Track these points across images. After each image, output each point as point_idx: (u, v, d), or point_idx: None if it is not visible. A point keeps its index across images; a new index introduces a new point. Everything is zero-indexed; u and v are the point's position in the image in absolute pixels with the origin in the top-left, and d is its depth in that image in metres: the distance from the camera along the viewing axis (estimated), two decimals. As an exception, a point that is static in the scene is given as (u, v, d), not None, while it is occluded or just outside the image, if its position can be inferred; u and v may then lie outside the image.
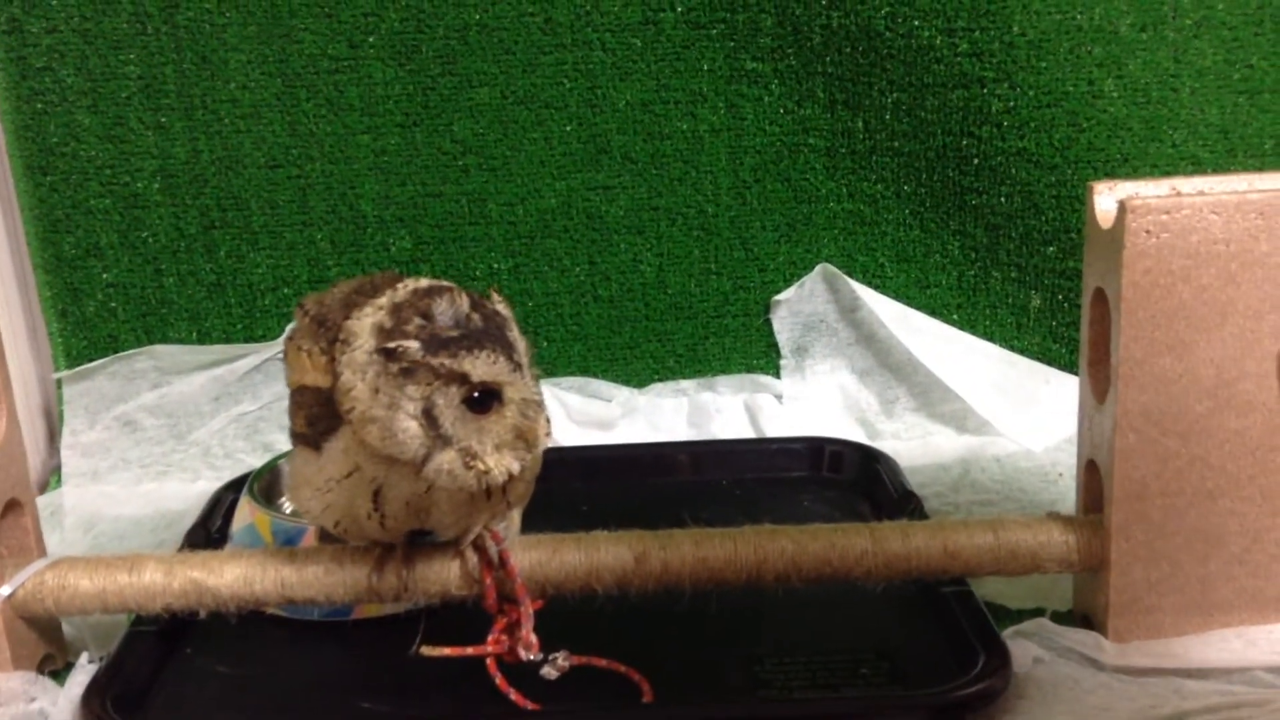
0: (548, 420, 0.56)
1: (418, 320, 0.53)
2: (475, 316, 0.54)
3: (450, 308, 0.54)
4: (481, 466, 0.54)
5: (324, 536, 0.67)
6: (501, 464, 0.54)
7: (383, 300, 0.55)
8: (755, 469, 0.92)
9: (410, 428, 0.53)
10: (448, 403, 0.53)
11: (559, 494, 0.88)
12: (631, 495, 0.89)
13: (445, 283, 0.56)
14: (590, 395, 1.01)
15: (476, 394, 0.53)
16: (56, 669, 0.68)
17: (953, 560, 0.65)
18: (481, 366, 0.53)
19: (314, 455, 0.58)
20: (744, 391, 1.01)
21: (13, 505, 0.67)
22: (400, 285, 0.56)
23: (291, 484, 0.61)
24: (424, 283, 0.56)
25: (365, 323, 0.54)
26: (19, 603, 0.65)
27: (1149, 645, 0.65)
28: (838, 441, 0.92)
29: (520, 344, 0.55)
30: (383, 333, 0.53)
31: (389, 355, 0.52)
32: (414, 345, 0.52)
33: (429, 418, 0.53)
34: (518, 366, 0.54)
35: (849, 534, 0.65)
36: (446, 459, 0.53)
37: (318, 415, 0.57)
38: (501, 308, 0.56)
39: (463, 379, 0.53)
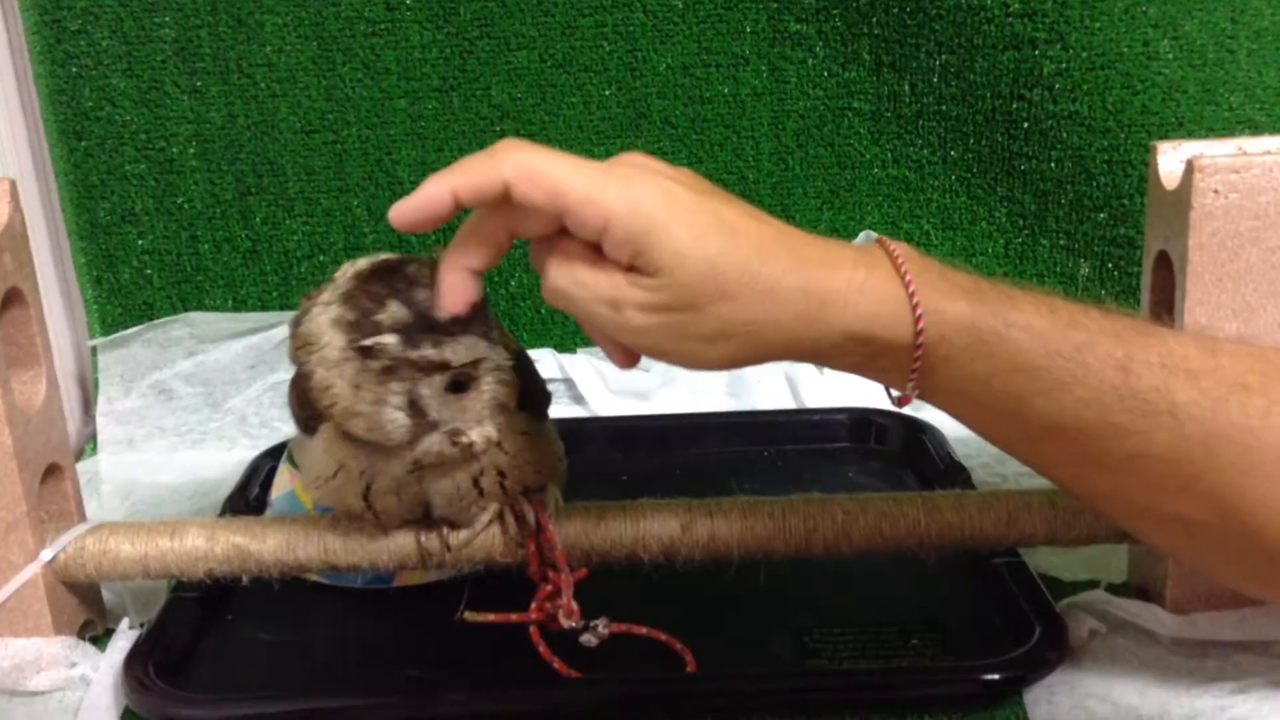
0: (515, 381, 0.56)
1: (393, 309, 0.52)
2: None
3: (424, 292, 0.52)
4: (465, 440, 0.54)
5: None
6: (483, 434, 0.55)
7: (326, 295, 0.54)
8: (797, 440, 0.91)
9: (397, 418, 0.53)
10: (432, 392, 0.53)
11: (598, 464, 0.88)
12: (671, 465, 0.88)
13: (385, 257, 0.54)
14: (628, 365, 1.00)
15: (458, 379, 0.53)
16: (97, 634, 0.68)
17: (1008, 530, 0.64)
18: (463, 352, 0.53)
19: (306, 441, 0.58)
20: (784, 362, 0.99)
21: (53, 470, 0.66)
22: (339, 273, 0.54)
23: (298, 462, 0.61)
24: (363, 263, 0.54)
25: (321, 320, 0.53)
26: (60, 567, 0.64)
27: (1209, 617, 0.63)
28: (883, 412, 0.91)
29: (486, 309, 0.54)
30: (349, 326, 0.52)
31: (366, 353, 0.52)
32: (391, 341, 0.51)
33: (414, 407, 0.53)
34: (491, 336, 0.54)
35: (901, 503, 0.64)
36: (434, 440, 0.54)
37: (306, 400, 0.56)
38: None
39: (444, 366, 0.52)
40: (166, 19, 0.91)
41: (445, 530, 0.62)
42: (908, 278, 0.50)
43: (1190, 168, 0.58)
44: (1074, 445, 0.51)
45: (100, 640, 0.67)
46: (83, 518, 0.69)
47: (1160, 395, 0.49)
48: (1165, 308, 0.63)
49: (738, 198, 0.52)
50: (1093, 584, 0.67)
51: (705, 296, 0.49)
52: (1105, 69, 0.87)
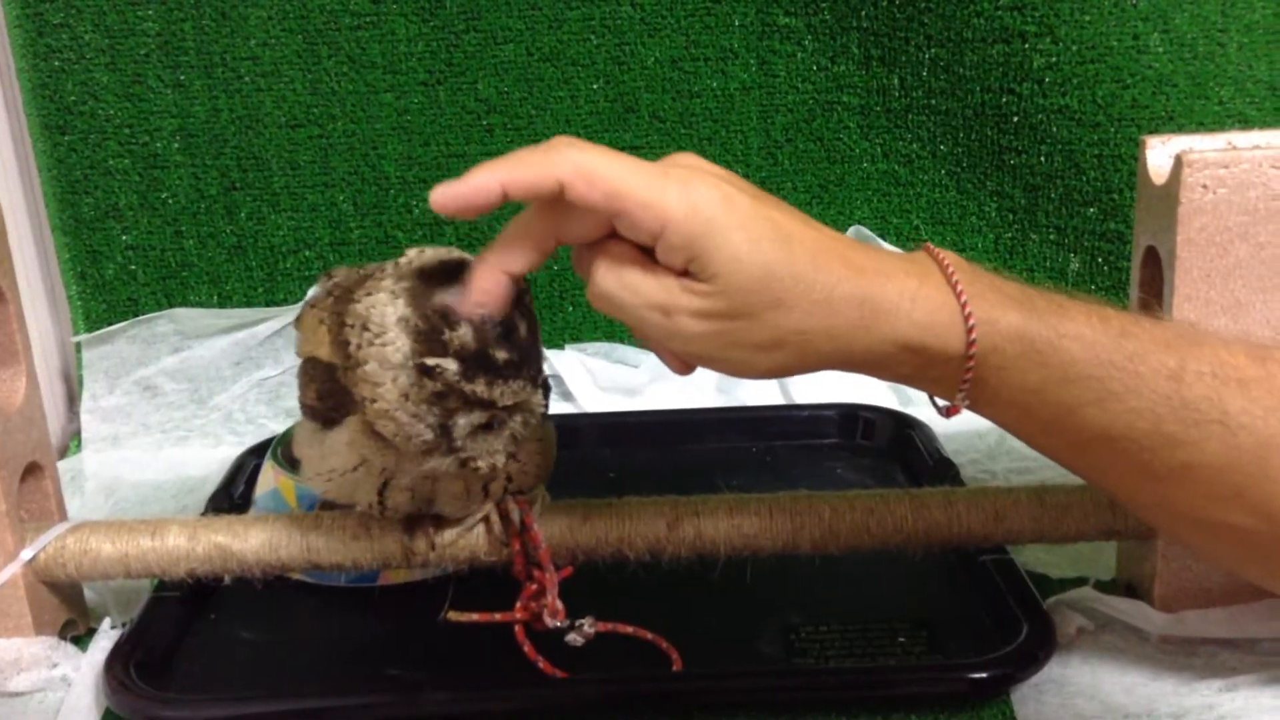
0: (539, 419, 0.56)
1: (462, 332, 0.50)
2: (522, 328, 0.52)
3: (495, 320, 0.51)
4: (473, 466, 0.54)
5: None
6: (490, 464, 0.54)
7: (388, 281, 0.52)
8: (786, 436, 0.90)
9: (424, 433, 0.53)
10: (466, 423, 0.52)
11: (586, 461, 0.87)
12: (660, 462, 0.88)
13: (456, 257, 0.53)
14: (616, 361, 0.99)
15: (492, 421, 0.53)
16: (79, 635, 0.67)
17: (996, 527, 0.63)
18: (509, 396, 0.52)
19: (320, 432, 0.58)
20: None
21: (33, 469, 0.66)
22: (405, 259, 0.53)
23: (297, 454, 0.61)
24: (430, 257, 0.53)
25: (388, 313, 0.51)
26: (40, 567, 0.63)
27: (1197, 615, 0.63)
28: (870, 408, 0.91)
29: (540, 346, 0.54)
30: (418, 335, 0.51)
31: (427, 373, 0.51)
32: (452, 368, 0.50)
33: (444, 430, 0.52)
34: (538, 379, 0.53)
35: (889, 501, 0.64)
36: (447, 462, 0.54)
37: (329, 391, 0.55)
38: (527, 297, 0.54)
39: (490, 405, 0.52)
40: (149, 12, 0.91)
41: (431, 530, 0.61)
42: (959, 287, 0.50)
43: (1179, 163, 0.58)
44: (1124, 454, 0.51)
45: (82, 640, 0.66)
46: (64, 517, 0.68)
47: (1212, 405, 0.49)
48: (1154, 304, 0.62)
49: (785, 202, 0.51)
50: (1081, 581, 0.67)
51: (760, 304, 0.48)
52: (1095, 63, 0.87)
